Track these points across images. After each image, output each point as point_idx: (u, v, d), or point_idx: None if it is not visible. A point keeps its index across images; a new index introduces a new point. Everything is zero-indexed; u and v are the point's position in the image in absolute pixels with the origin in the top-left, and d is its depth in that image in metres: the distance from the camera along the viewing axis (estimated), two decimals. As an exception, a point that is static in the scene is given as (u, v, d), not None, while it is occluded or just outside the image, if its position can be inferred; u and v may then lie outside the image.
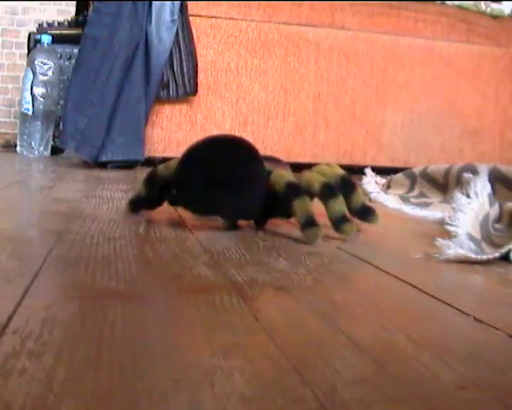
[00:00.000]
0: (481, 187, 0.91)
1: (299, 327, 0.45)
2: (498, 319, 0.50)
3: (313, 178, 0.87)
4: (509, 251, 0.75)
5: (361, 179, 1.46)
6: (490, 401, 0.34)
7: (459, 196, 0.89)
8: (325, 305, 0.52)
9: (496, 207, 0.91)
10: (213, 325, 0.44)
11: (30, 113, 2.35)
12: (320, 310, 0.50)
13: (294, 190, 0.84)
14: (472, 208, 0.86)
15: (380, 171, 1.64)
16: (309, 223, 0.81)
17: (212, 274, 0.60)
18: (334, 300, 0.53)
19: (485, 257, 0.73)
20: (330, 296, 0.55)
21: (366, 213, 0.92)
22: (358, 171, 1.81)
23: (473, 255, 0.73)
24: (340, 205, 0.85)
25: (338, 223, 0.84)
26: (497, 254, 0.74)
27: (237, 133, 2.13)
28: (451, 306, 0.53)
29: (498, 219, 0.91)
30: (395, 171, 1.70)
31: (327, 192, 0.85)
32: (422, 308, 0.53)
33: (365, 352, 0.40)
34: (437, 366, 0.38)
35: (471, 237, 0.80)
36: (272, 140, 2.19)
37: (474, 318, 0.50)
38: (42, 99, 2.36)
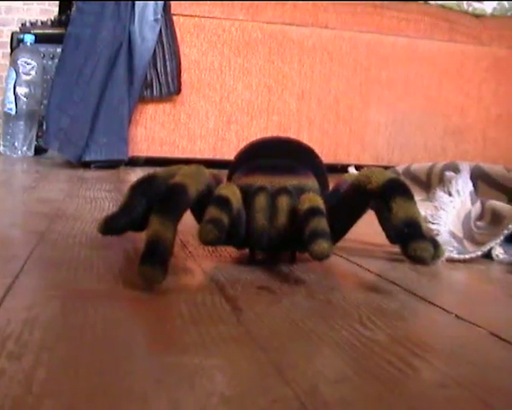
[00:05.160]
0: (463, 185, 0.91)
1: (281, 327, 0.45)
2: (480, 316, 0.50)
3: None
4: (491, 249, 0.75)
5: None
6: (471, 398, 0.34)
7: (441, 195, 0.89)
8: (306, 304, 0.52)
9: (478, 204, 0.92)
10: (195, 326, 0.43)
11: (13, 113, 2.34)
12: (301, 310, 0.50)
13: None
14: (454, 206, 0.87)
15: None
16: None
17: (194, 274, 0.60)
18: (316, 299, 0.54)
19: (467, 256, 0.74)
20: (312, 296, 0.55)
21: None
22: (342, 169, 1.82)
23: (455, 255, 0.73)
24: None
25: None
26: (479, 253, 0.75)
27: (220, 132, 2.13)
28: (433, 304, 0.54)
29: (480, 217, 0.91)
30: (379, 169, 1.70)
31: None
32: (404, 307, 0.53)
33: (346, 351, 0.40)
34: (418, 365, 0.38)
35: (453, 235, 0.80)
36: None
37: (456, 315, 0.50)
38: (25, 99, 2.34)
